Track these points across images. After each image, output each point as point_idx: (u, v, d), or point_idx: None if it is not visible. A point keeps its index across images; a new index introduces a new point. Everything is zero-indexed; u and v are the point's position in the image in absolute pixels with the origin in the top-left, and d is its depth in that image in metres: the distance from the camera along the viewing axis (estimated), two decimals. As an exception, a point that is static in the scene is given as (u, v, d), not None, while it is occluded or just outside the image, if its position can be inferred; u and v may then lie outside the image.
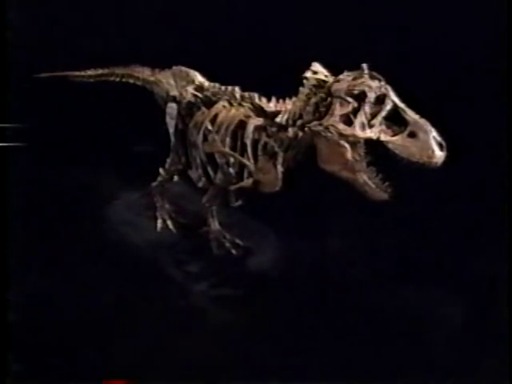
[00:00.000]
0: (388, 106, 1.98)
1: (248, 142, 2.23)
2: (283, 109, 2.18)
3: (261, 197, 2.25)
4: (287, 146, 2.17)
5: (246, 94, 2.29)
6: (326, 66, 2.11)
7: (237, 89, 2.32)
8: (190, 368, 2.13)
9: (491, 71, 2.70)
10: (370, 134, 1.99)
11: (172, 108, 2.42)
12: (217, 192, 2.44)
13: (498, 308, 2.26)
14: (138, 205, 2.68)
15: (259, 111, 2.24)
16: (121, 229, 2.59)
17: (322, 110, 2.06)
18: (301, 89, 2.11)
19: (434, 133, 1.95)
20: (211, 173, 2.36)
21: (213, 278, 2.40)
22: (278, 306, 2.29)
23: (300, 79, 2.09)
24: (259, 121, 2.22)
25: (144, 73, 2.59)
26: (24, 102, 2.75)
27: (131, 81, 2.64)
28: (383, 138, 1.99)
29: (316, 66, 2.11)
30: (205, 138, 2.33)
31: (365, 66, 2.02)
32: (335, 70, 2.08)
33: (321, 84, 2.08)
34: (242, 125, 2.25)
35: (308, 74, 2.09)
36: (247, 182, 2.27)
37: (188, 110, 2.39)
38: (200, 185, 2.42)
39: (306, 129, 2.09)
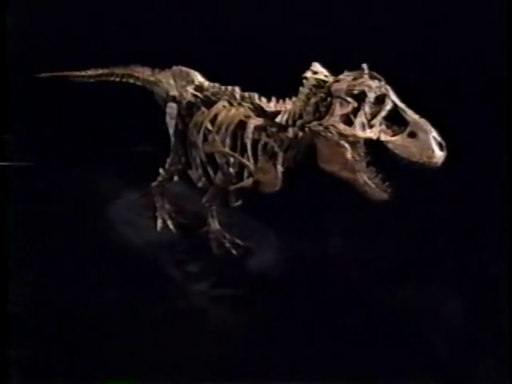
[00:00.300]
0: (388, 106, 1.98)
1: (248, 142, 2.23)
2: (283, 109, 2.18)
3: (261, 197, 2.25)
4: (287, 146, 2.17)
5: (246, 94, 2.29)
6: (325, 66, 2.11)
7: (237, 89, 2.32)
8: (190, 368, 2.12)
9: (491, 71, 2.70)
10: (370, 133, 1.99)
11: (172, 108, 2.42)
12: (217, 192, 2.44)
13: (498, 308, 2.26)
14: (137, 205, 2.68)
15: (259, 111, 2.24)
16: (121, 229, 2.59)
17: (321, 110, 2.06)
18: (301, 89, 2.11)
19: (434, 133, 1.95)
20: (211, 173, 2.36)
21: (213, 278, 2.40)
22: (278, 306, 2.29)
23: (300, 79, 2.09)
24: (259, 121, 2.22)
25: (144, 73, 2.59)
26: (24, 102, 2.75)
27: (131, 81, 2.64)
28: (383, 138, 1.99)
29: (316, 66, 2.11)
30: (205, 138, 2.33)
31: (365, 66, 2.02)
32: (335, 70, 2.08)
33: (321, 84, 2.08)
34: (241, 125, 2.25)
35: (308, 74, 2.09)
36: (247, 181, 2.27)
37: (188, 110, 2.39)
38: (200, 185, 2.42)
39: (306, 129, 2.09)
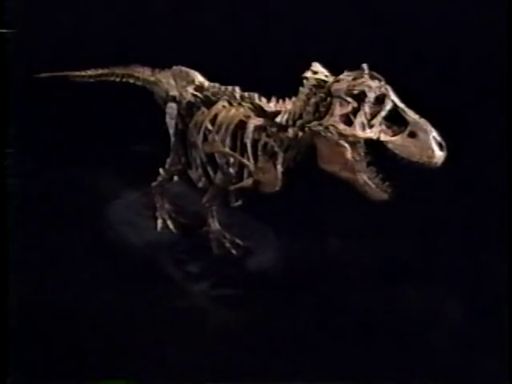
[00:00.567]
0: (388, 106, 1.98)
1: (248, 142, 2.23)
2: (283, 109, 2.18)
3: (261, 197, 2.25)
4: (287, 146, 2.17)
5: (246, 94, 2.29)
6: (325, 66, 2.11)
7: (237, 89, 2.32)
8: (190, 368, 2.12)
9: (491, 71, 2.70)
10: (370, 134, 1.99)
11: (172, 108, 2.42)
12: (217, 192, 2.44)
13: (498, 308, 2.26)
14: (138, 205, 2.68)
15: (259, 111, 2.24)
16: (121, 229, 2.59)
17: (321, 110, 2.06)
18: (301, 89, 2.11)
19: (434, 133, 1.95)
20: (211, 173, 2.36)
21: (213, 278, 2.40)
22: (278, 305, 2.29)
23: (300, 79, 2.09)
24: (259, 121, 2.22)
25: (144, 73, 2.59)
26: (24, 102, 2.75)
27: (131, 81, 2.64)
28: (383, 138, 1.99)
29: (316, 66, 2.11)
30: (205, 138, 2.33)
31: (365, 65, 2.02)
32: (335, 70, 2.08)
33: (321, 84, 2.08)
34: (241, 125, 2.25)
35: (308, 74, 2.09)
36: (247, 182, 2.27)
37: (188, 110, 2.39)
38: (200, 185, 2.42)
39: (306, 129, 2.10)
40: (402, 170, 1.97)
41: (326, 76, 2.09)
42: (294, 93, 2.14)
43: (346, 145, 2.02)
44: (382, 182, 2.05)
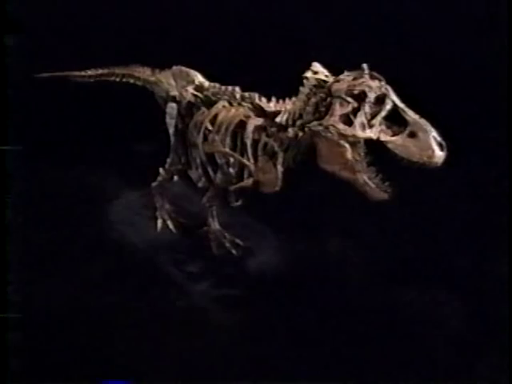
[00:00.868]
0: (388, 106, 1.98)
1: (248, 142, 2.23)
2: (283, 109, 2.18)
3: (261, 197, 2.25)
4: (287, 146, 2.17)
5: (246, 94, 2.29)
6: (325, 66, 2.11)
7: (237, 89, 2.32)
8: (190, 368, 2.12)
9: (491, 71, 2.70)
10: (370, 133, 1.99)
11: (172, 108, 2.42)
12: (217, 192, 2.44)
13: (498, 308, 2.26)
14: (138, 205, 2.68)
15: (259, 111, 2.24)
16: (121, 229, 2.59)
17: (322, 110, 2.06)
18: (301, 89, 2.11)
19: (434, 133, 1.95)
20: (211, 173, 2.36)
21: (213, 278, 2.40)
22: (278, 305, 2.29)
23: (300, 79, 2.09)
24: (259, 121, 2.22)
25: (144, 73, 2.59)
26: (24, 102, 2.74)
27: (131, 81, 2.63)
28: (383, 137, 1.99)
29: (316, 66, 2.11)
30: (205, 138, 2.33)
31: (365, 66, 2.02)
32: (335, 70, 2.08)
33: (321, 84, 2.08)
34: (241, 125, 2.25)
35: (308, 74, 2.10)
36: (247, 182, 2.27)
37: (188, 110, 2.39)
38: (200, 185, 2.42)
39: (306, 129, 2.10)
40: (402, 170, 1.97)
41: (326, 76, 2.09)
42: (294, 93, 2.14)
43: (346, 145, 2.02)
44: (381, 182, 2.05)
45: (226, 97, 2.32)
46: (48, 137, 2.82)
